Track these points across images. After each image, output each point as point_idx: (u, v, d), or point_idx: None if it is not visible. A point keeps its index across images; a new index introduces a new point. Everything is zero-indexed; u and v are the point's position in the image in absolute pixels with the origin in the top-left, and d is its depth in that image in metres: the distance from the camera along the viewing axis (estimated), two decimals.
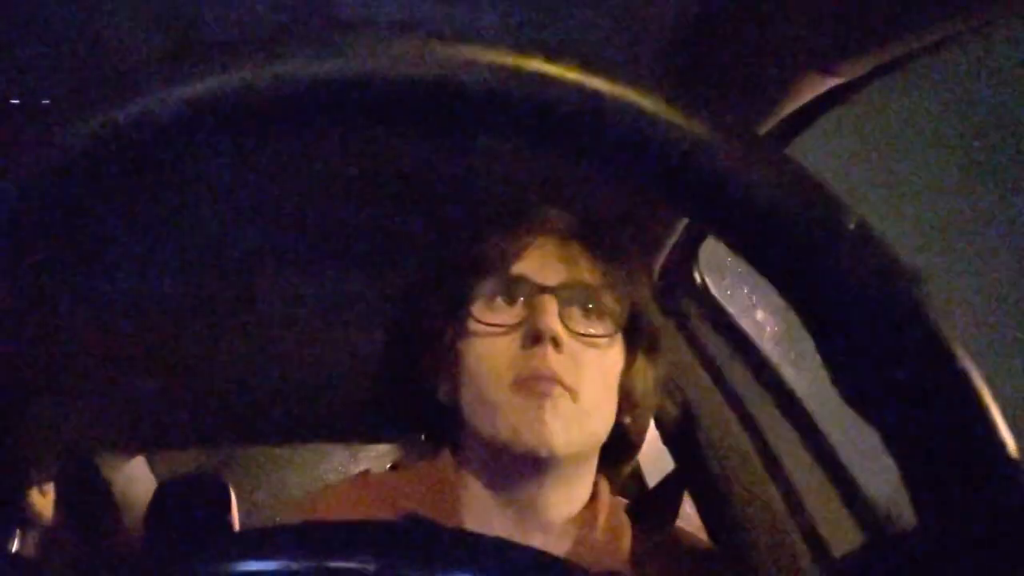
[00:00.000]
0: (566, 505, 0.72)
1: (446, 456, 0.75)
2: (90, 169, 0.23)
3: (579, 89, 0.23)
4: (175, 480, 1.84)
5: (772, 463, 0.95)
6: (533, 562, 0.30)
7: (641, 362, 0.74)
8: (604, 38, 0.75)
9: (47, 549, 1.48)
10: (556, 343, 0.66)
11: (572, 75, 0.23)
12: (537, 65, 0.23)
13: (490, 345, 0.69)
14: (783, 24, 0.65)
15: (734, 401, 1.02)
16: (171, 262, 1.07)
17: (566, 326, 0.68)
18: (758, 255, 0.24)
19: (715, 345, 1.08)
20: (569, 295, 0.69)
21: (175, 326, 1.25)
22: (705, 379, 1.06)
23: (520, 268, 0.70)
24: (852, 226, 0.23)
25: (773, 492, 0.93)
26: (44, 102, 0.78)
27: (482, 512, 0.71)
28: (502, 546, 0.29)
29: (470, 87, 0.23)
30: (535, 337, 0.66)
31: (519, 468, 0.69)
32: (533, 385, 0.66)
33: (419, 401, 0.75)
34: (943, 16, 0.54)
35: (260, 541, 0.27)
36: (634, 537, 0.73)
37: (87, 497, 1.69)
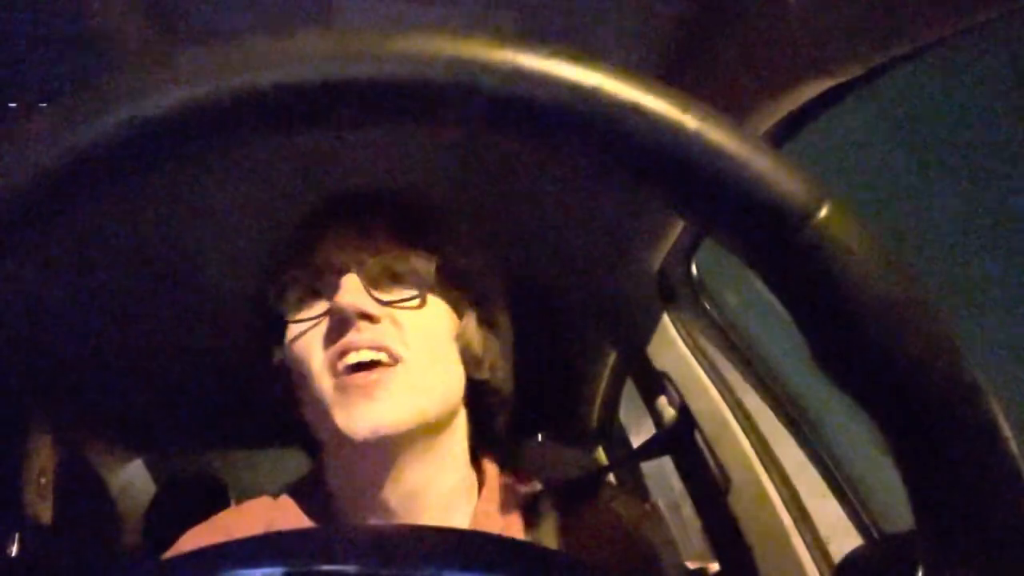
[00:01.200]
0: (441, 479, 0.69)
1: (315, 468, 0.74)
2: (82, 173, 0.23)
3: (577, 87, 0.23)
4: (174, 482, 1.84)
5: (770, 463, 0.95)
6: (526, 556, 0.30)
7: (471, 316, 0.72)
8: (605, 38, 0.75)
9: (46, 552, 1.47)
10: (366, 317, 0.63)
11: (573, 75, 0.23)
12: (544, 65, 0.23)
13: (306, 340, 0.66)
14: (783, 24, 0.65)
15: (732, 401, 1.02)
16: (169, 264, 1.07)
17: (373, 298, 0.64)
18: (732, 243, 0.24)
19: (713, 345, 1.08)
20: (373, 268, 0.66)
21: (175, 328, 1.25)
22: (703, 378, 1.06)
23: (319, 257, 0.68)
24: (821, 213, 0.23)
25: (772, 491, 0.92)
26: (41, 105, 0.78)
27: (361, 512, 0.69)
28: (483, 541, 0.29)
29: (478, 86, 0.23)
30: (342, 317, 0.63)
31: (373, 455, 0.66)
32: (353, 375, 0.63)
33: (279, 414, 0.73)
34: (943, 16, 0.54)
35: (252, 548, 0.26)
36: (560, 515, 0.71)
37: (86, 500, 1.69)
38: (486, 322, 0.73)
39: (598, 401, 1.57)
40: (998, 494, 0.23)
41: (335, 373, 0.63)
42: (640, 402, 1.32)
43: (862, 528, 0.86)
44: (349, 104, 0.23)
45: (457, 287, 0.71)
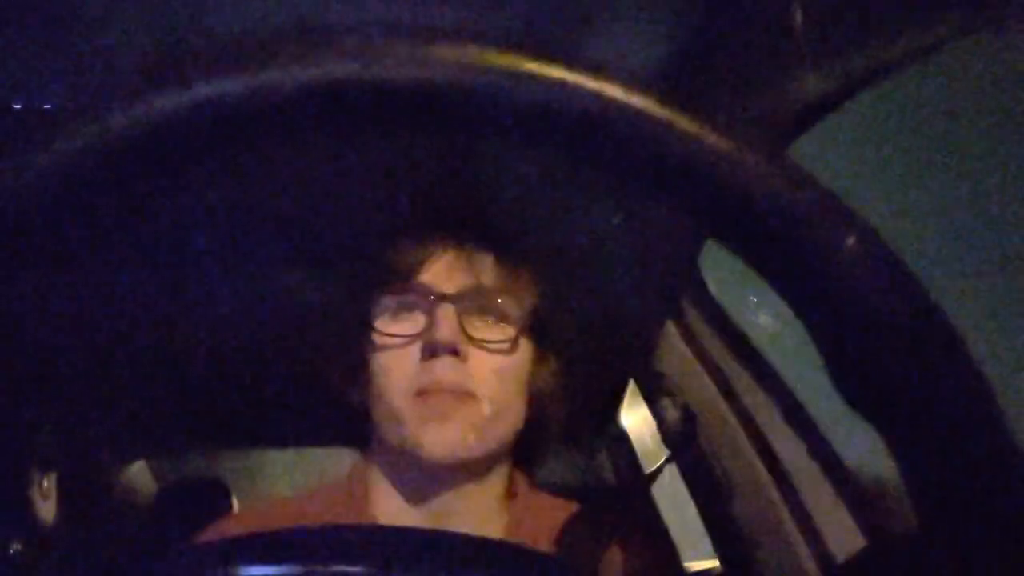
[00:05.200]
0: (480, 503, 0.73)
1: (358, 469, 0.76)
2: (90, 173, 0.23)
3: (582, 92, 0.23)
4: (176, 484, 1.84)
5: (774, 465, 0.94)
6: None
7: (549, 363, 0.76)
8: (606, 39, 0.75)
9: (48, 553, 1.47)
10: (456, 353, 0.67)
11: (576, 77, 0.23)
12: (543, 68, 0.23)
13: (393, 356, 0.69)
14: (784, 26, 0.65)
15: (735, 403, 1.01)
16: (174, 262, 1.07)
17: (466, 334, 0.68)
18: (761, 260, 0.24)
19: (716, 346, 1.08)
20: (469, 302, 0.70)
21: (177, 329, 1.25)
22: (706, 381, 1.06)
23: (421, 278, 0.71)
24: (855, 235, 0.23)
25: (775, 494, 0.92)
26: (46, 107, 0.78)
27: (398, 517, 0.72)
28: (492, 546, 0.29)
29: (475, 90, 0.23)
30: (433, 349, 0.67)
31: (428, 474, 0.70)
32: (435, 396, 0.67)
33: (334, 409, 0.76)
34: (942, 17, 0.54)
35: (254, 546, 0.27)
36: (585, 531, 0.74)
37: (88, 501, 1.69)
38: (560, 371, 0.77)
39: (600, 404, 1.57)
40: (1004, 500, 0.23)
41: (417, 395, 0.67)
42: (642, 404, 1.31)
43: (863, 529, 0.86)
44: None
45: (542, 332, 0.75)
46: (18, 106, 0.76)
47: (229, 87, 0.22)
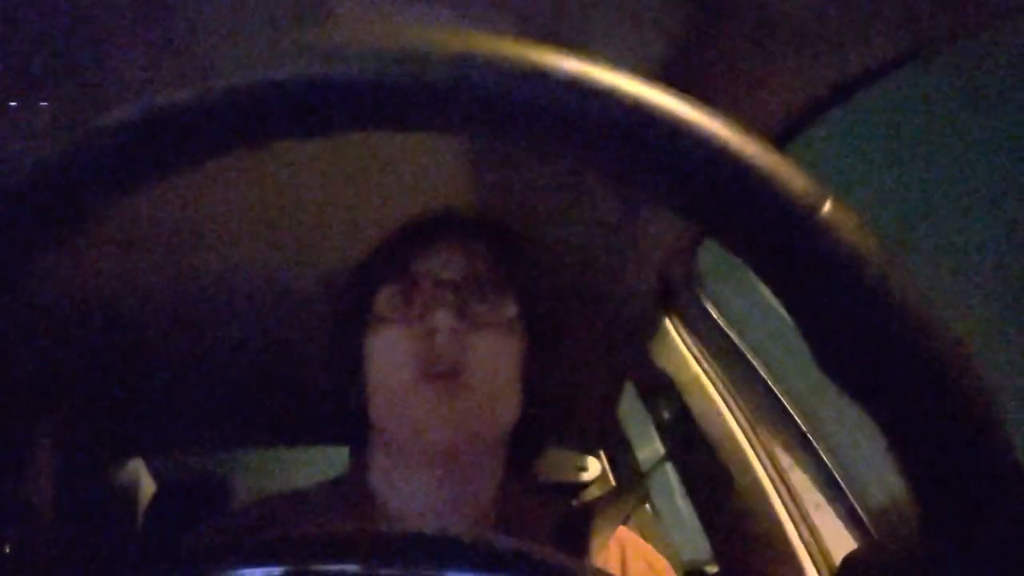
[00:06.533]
0: (474, 501, 0.73)
1: (355, 467, 0.77)
2: (89, 170, 0.23)
3: (572, 85, 0.23)
4: (175, 482, 1.84)
5: (771, 464, 0.95)
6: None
7: (543, 354, 0.77)
8: (604, 41, 0.75)
9: (45, 552, 1.47)
10: (453, 334, 0.68)
11: (569, 72, 0.23)
12: (541, 62, 0.23)
13: (392, 342, 0.70)
14: (784, 24, 0.65)
15: (732, 402, 1.02)
16: (172, 262, 1.07)
17: (464, 319, 0.69)
18: (734, 241, 0.24)
19: (713, 345, 1.08)
20: (467, 289, 0.71)
21: (177, 326, 1.24)
22: (703, 379, 1.06)
23: (419, 265, 0.72)
24: (824, 208, 0.23)
25: (772, 493, 0.92)
26: (42, 104, 0.78)
27: (397, 516, 0.73)
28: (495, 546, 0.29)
29: (470, 85, 0.23)
30: (431, 330, 0.68)
31: (426, 462, 0.70)
32: (433, 380, 0.67)
33: (334, 408, 0.77)
34: (945, 19, 0.54)
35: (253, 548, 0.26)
36: (581, 535, 0.75)
37: (85, 499, 1.69)
38: (556, 364, 0.78)
39: (598, 403, 1.57)
40: (1001, 496, 0.22)
41: (416, 380, 0.68)
42: (639, 404, 1.31)
43: (862, 529, 0.86)
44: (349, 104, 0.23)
45: (537, 322, 0.76)
46: (14, 104, 0.76)
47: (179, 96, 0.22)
